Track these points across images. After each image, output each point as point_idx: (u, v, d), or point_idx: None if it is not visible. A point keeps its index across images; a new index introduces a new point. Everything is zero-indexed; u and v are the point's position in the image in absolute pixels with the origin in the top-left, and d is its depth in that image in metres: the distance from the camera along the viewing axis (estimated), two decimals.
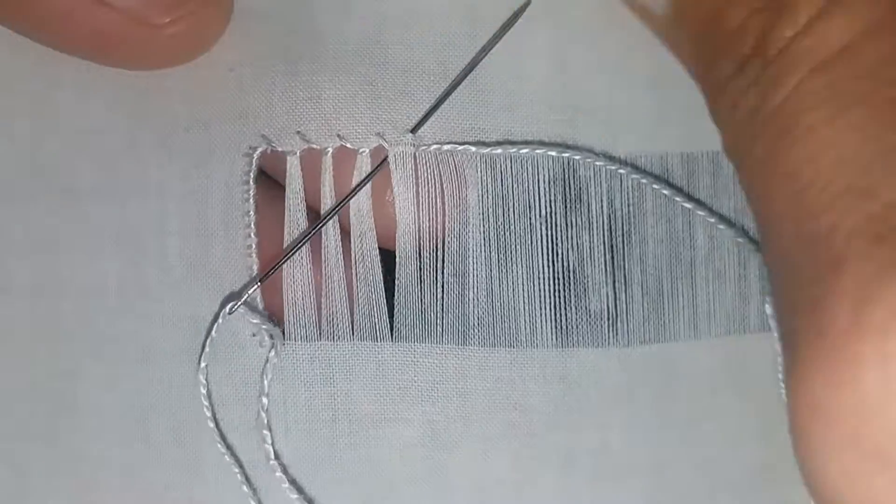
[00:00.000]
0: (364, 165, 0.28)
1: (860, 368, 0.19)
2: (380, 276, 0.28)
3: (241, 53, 0.28)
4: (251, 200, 0.28)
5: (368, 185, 0.28)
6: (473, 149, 0.28)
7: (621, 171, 0.28)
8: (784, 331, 0.22)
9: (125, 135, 0.28)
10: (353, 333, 0.29)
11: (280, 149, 0.28)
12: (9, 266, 0.28)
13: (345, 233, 0.29)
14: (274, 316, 0.29)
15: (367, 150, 0.28)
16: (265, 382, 0.28)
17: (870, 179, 0.20)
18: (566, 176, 0.29)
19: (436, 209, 0.28)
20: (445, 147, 0.28)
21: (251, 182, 0.28)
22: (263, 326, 0.28)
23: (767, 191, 0.22)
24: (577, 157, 0.28)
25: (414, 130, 0.28)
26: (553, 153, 0.28)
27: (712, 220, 0.29)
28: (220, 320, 0.28)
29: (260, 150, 0.28)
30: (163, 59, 0.27)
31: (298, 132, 0.28)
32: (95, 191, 0.28)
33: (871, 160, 0.20)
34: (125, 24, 0.25)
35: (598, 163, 0.28)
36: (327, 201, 0.28)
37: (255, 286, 0.28)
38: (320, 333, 0.29)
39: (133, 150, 0.28)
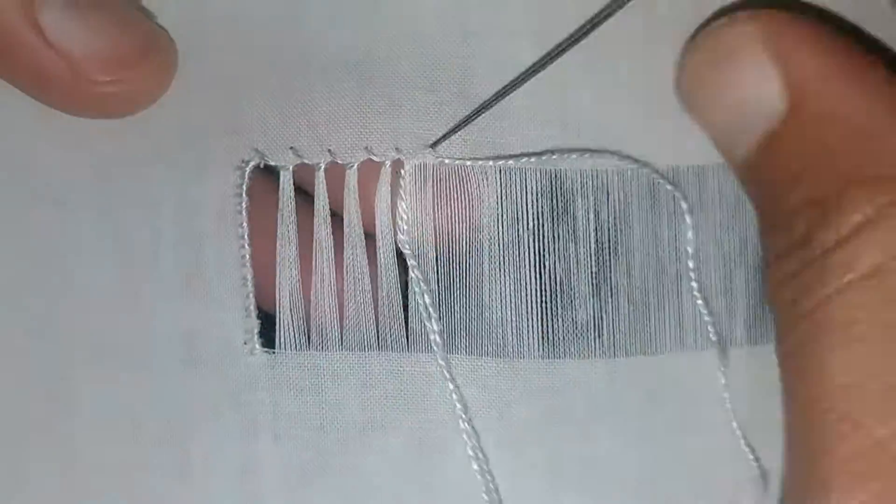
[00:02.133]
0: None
1: None
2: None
3: (234, 67, 0.28)
4: (244, 212, 0.29)
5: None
6: (468, 163, 0.29)
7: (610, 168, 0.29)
8: (785, 480, 0.24)
9: (119, 146, 0.29)
10: (341, 343, 0.29)
11: (273, 163, 0.29)
12: (4, 272, 0.29)
13: (338, 244, 0.29)
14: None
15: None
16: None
17: (866, 414, 0.21)
18: (553, 188, 0.29)
19: (448, 220, 0.29)
20: (446, 161, 0.29)
21: (244, 195, 0.29)
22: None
23: (786, 379, 0.23)
24: (564, 169, 0.29)
25: (434, 145, 0.29)
26: (541, 165, 0.29)
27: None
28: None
29: (253, 163, 0.29)
30: (100, 111, 0.28)
31: (291, 147, 0.29)
32: (90, 200, 0.29)
33: (872, 395, 0.21)
34: (66, 71, 0.26)
35: (584, 168, 0.29)
36: (320, 216, 0.29)
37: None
38: (309, 343, 0.29)
39: (127, 161, 0.29)
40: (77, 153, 0.29)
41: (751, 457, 0.30)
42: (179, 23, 0.28)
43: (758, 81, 0.24)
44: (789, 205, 0.24)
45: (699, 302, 0.29)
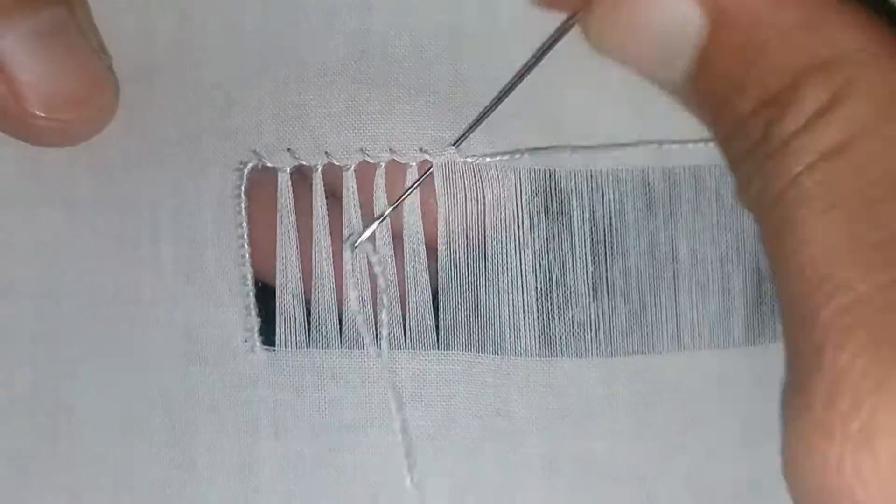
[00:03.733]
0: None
1: (830, 446, 0.21)
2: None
3: (229, 70, 0.29)
4: (243, 213, 0.29)
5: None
6: (461, 160, 0.29)
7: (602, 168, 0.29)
8: (786, 372, 0.24)
9: (120, 148, 0.29)
10: (341, 341, 0.30)
11: (270, 164, 0.29)
12: (10, 271, 0.30)
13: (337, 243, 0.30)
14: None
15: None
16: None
17: (847, 272, 0.22)
18: (548, 187, 0.29)
19: (474, 216, 0.29)
20: (469, 160, 0.29)
21: (242, 195, 0.29)
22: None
23: (772, 264, 0.24)
24: (558, 169, 0.29)
25: (456, 144, 0.29)
26: (536, 166, 0.29)
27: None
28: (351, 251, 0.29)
29: (251, 164, 0.29)
30: (33, 141, 0.28)
31: (288, 149, 0.29)
32: (93, 200, 0.29)
33: (851, 254, 0.22)
34: (8, 98, 0.26)
35: (578, 167, 0.29)
36: (318, 218, 0.29)
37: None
38: (310, 341, 0.30)
39: (127, 162, 0.29)
40: (80, 155, 0.29)
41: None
42: (175, 26, 0.29)
43: (672, 5, 0.24)
44: (741, 111, 0.24)
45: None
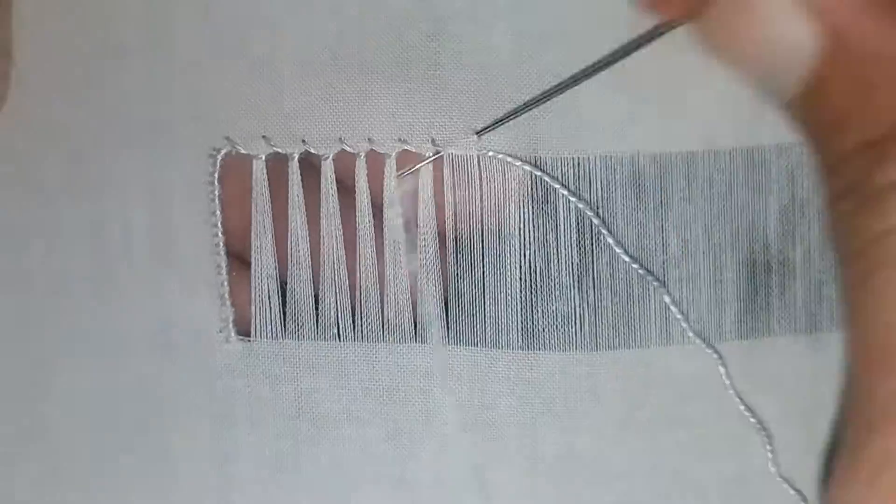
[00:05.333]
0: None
1: None
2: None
3: (201, 53, 0.28)
4: (216, 200, 0.28)
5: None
6: (451, 150, 0.28)
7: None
8: (836, 423, 0.24)
9: (89, 132, 0.28)
10: (317, 333, 0.29)
11: (244, 151, 0.28)
12: None
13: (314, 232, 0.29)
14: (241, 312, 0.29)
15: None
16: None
17: None
18: (535, 176, 0.28)
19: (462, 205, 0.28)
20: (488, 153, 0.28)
21: (216, 183, 0.28)
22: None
23: (845, 312, 0.23)
24: (544, 156, 0.28)
25: (480, 134, 0.28)
26: (522, 155, 0.28)
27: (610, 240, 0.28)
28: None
29: (224, 151, 0.28)
30: None
31: (264, 136, 0.28)
32: (63, 186, 0.29)
33: None
34: None
35: (565, 154, 0.28)
36: (294, 205, 0.28)
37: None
38: (285, 332, 0.29)
39: (97, 147, 0.29)
40: (50, 137, 0.28)
41: (768, 447, 0.29)
42: (148, 9, 0.28)
43: (787, 24, 0.23)
44: (843, 147, 0.23)
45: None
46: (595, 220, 0.28)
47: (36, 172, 0.29)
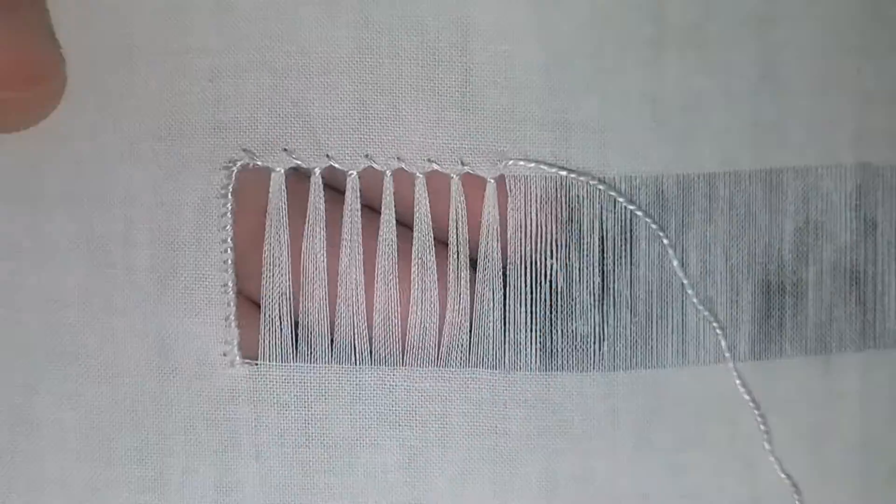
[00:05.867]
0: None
1: None
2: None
3: (223, 63, 0.26)
4: (229, 215, 0.27)
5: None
6: (464, 168, 0.27)
7: (612, 193, 0.27)
8: None
9: (91, 140, 0.26)
10: (331, 356, 0.27)
11: (263, 164, 0.27)
12: None
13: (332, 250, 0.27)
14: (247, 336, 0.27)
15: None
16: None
17: None
18: (559, 194, 0.27)
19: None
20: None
21: (230, 196, 0.27)
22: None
23: None
24: (571, 176, 0.27)
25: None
26: (547, 170, 0.27)
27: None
28: None
29: (240, 163, 0.27)
30: None
31: (285, 149, 0.27)
32: (60, 198, 0.27)
33: None
34: None
35: (591, 181, 0.27)
36: (314, 226, 0.27)
37: None
38: (297, 354, 0.27)
39: (99, 156, 0.26)
40: (47, 145, 0.26)
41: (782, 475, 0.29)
42: (159, 3, 0.26)
43: None
44: None
45: (705, 314, 0.28)
46: (665, 240, 0.27)
47: (29, 181, 0.27)
